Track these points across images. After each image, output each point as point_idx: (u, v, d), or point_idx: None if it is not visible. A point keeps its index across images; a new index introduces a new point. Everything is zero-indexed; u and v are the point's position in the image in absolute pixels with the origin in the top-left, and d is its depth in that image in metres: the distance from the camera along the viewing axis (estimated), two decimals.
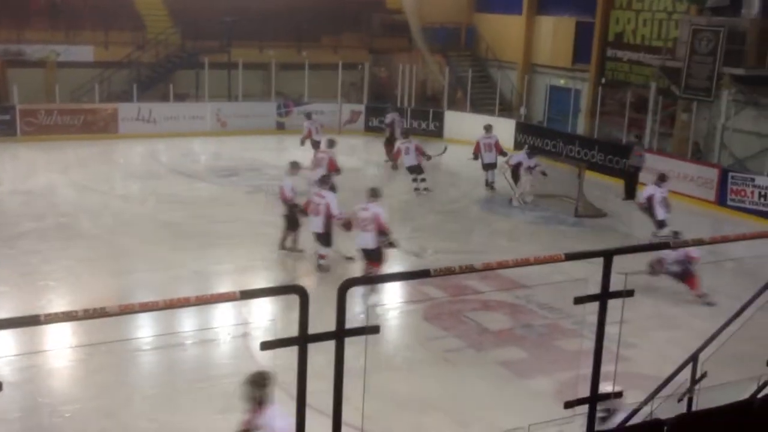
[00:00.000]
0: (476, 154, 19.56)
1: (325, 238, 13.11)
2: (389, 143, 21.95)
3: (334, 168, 16.25)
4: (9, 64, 24.65)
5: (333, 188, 13.68)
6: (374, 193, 12.47)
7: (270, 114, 25.94)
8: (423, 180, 18.92)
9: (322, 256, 13.16)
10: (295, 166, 14.28)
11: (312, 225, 13.10)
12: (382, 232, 12.03)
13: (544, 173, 18.58)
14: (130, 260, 13.41)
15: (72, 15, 24.92)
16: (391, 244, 12.30)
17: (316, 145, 20.03)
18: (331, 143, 17.16)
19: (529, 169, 18.30)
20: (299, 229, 13.66)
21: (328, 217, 12.85)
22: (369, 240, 12.05)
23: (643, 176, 18.62)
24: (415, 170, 18.94)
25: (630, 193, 18.77)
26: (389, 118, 22.88)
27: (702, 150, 20.71)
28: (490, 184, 19.50)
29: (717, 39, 19.50)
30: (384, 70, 30.36)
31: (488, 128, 19.81)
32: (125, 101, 24.45)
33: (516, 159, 18.67)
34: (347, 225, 12.75)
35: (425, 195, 18.74)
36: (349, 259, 13.25)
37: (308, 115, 22.08)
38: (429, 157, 19.10)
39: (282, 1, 28.35)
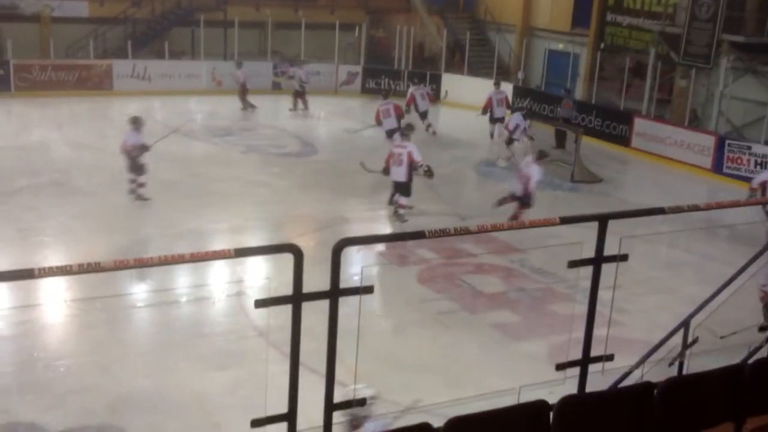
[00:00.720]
0: (486, 110, 20.16)
1: (405, 188, 13.68)
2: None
3: (400, 113, 17.79)
4: (3, 18, 24.34)
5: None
6: (408, 132, 14.12)
7: (266, 74, 25.73)
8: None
9: (401, 206, 13.74)
10: (136, 121, 14.49)
11: (395, 175, 13.63)
12: (413, 166, 13.38)
13: (531, 138, 18.57)
14: (124, 218, 13.40)
15: None
16: (429, 173, 13.63)
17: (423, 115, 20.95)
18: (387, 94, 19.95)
19: (525, 130, 18.39)
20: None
21: (411, 166, 13.49)
22: (402, 173, 13.41)
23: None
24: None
25: (560, 143, 19.74)
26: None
27: (699, 117, 20.66)
28: (494, 137, 20.08)
29: (717, 5, 19.35)
30: (381, 31, 30.09)
31: (498, 84, 21.07)
32: (120, 58, 24.21)
33: (513, 123, 18.61)
34: (429, 172, 13.75)
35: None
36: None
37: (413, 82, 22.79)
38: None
39: None
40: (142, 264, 3.23)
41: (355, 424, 5.18)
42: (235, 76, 22.82)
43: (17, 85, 22.72)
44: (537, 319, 10.33)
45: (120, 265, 3.18)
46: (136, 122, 14.44)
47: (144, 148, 14.20)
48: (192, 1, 25.51)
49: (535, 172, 13.48)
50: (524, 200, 13.54)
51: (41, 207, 13.59)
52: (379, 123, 18.65)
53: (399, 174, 13.62)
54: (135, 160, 14.19)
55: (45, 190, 14.65)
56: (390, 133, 18.14)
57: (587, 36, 24.61)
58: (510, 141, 18.44)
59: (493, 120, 20.26)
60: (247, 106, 22.59)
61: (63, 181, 15.37)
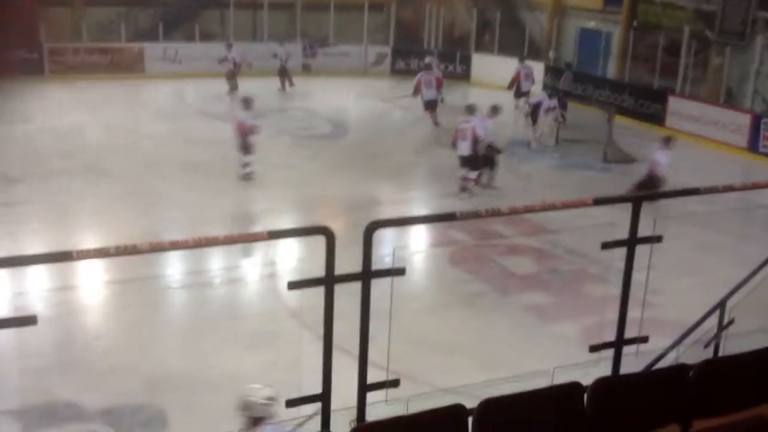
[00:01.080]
0: (514, 83, 21.02)
1: (471, 162, 14.13)
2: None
3: (441, 85, 19.58)
4: (36, 2, 24.56)
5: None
6: (471, 110, 14.46)
7: (295, 55, 25.70)
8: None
9: (467, 179, 14.20)
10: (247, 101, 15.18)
11: (460, 149, 14.12)
12: (477, 141, 13.95)
13: (561, 118, 18.37)
14: (157, 200, 13.53)
15: None
16: (497, 150, 14.45)
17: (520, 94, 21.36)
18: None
19: (549, 110, 18.16)
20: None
21: (475, 141, 14.01)
22: (466, 148, 13.99)
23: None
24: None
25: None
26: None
27: (735, 95, 20.30)
28: (522, 110, 20.34)
29: None
30: (411, 11, 29.88)
31: (523, 59, 21.84)
32: (151, 41, 24.35)
33: (536, 99, 18.56)
34: (493, 149, 14.44)
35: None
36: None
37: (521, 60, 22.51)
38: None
39: None
40: (177, 246, 3.27)
41: (252, 422, 5.08)
42: (227, 57, 22.51)
43: (51, 68, 22.96)
44: (570, 301, 10.28)
45: (156, 248, 3.22)
46: (247, 102, 15.02)
47: (254, 128, 14.65)
48: None
49: (484, 127, 14.21)
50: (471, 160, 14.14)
51: (76, 189, 13.78)
52: (417, 93, 18.83)
53: (464, 148, 14.12)
54: (246, 139, 14.60)
55: (79, 172, 14.84)
56: (429, 105, 18.09)
57: (620, 14, 24.20)
58: (534, 119, 18.31)
59: (519, 94, 20.90)
60: (233, 87, 22.27)
61: (97, 163, 15.54)
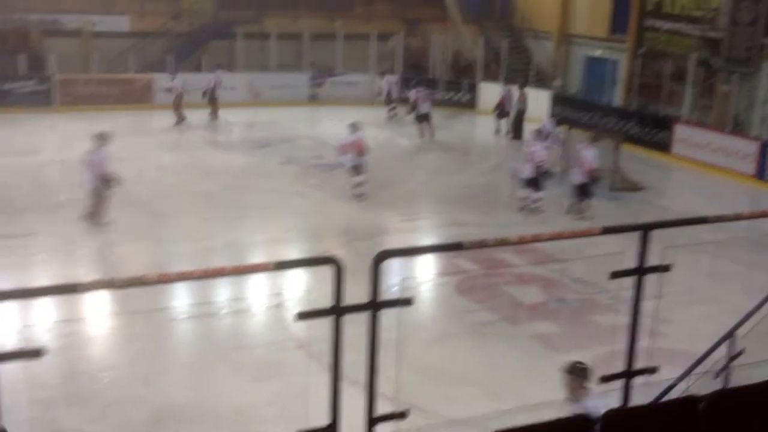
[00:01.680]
0: (500, 107, 22.40)
1: (534, 183, 15.21)
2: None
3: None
4: (46, 33, 24.86)
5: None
6: (539, 134, 16.04)
7: (303, 85, 25.90)
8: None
9: (533, 200, 15.31)
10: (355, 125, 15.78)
11: (523, 172, 15.28)
12: (538, 164, 15.10)
13: (563, 144, 18.37)
14: (164, 230, 13.55)
15: None
16: (547, 173, 15.43)
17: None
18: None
19: (556, 139, 18.22)
20: None
21: (537, 164, 15.18)
22: (529, 170, 15.15)
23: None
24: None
25: (517, 133, 22.01)
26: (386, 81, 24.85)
27: (742, 122, 20.31)
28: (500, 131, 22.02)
29: (758, 9, 19.05)
30: (418, 40, 30.11)
31: (508, 84, 23.16)
32: (160, 71, 24.56)
33: (543, 127, 18.54)
34: (547, 173, 15.51)
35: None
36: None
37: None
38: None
39: None
40: (184, 277, 3.26)
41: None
42: (171, 87, 22.30)
43: (60, 99, 23.15)
44: (578, 330, 10.21)
45: (163, 279, 3.21)
46: (355, 126, 15.68)
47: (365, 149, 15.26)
48: (230, 15, 25.79)
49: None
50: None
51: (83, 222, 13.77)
52: (500, 110, 22.10)
53: (527, 171, 15.25)
54: (360, 158, 15.29)
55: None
56: (423, 117, 19.50)
57: (626, 42, 24.35)
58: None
59: (502, 115, 22.48)
60: (180, 119, 22.10)
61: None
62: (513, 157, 18.58)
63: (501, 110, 22.67)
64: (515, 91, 22.96)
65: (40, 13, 24.12)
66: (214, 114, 22.95)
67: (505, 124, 22.33)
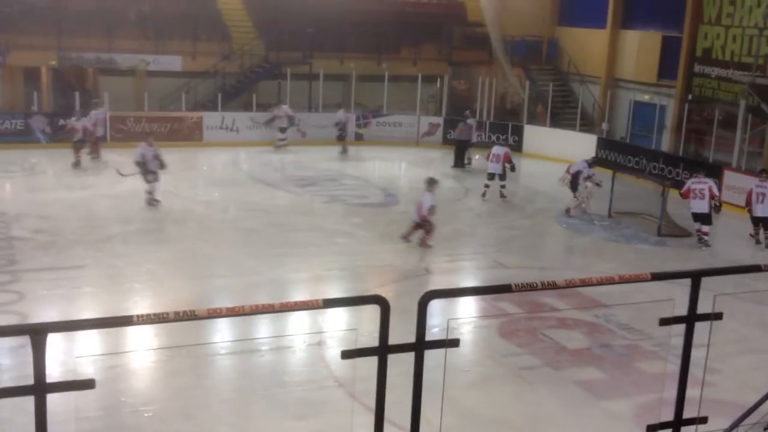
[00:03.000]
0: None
1: (708, 218, 15.94)
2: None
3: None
4: (101, 72, 25.59)
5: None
6: (701, 171, 16.67)
7: (349, 124, 26.16)
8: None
9: (705, 233, 16.01)
10: (432, 182, 15.25)
11: (696, 207, 16.00)
12: (712, 198, 15.93)
13: (598, 184, 18.28)
14: (210, 265, 13.70)
15: (161, 26, 25.73)
16: (717, 208, 16.16)
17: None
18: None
19: (588, 178, 18.22)
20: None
21: (711, 199, 15.92)
22: (705, 206, 15.89)
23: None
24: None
25: (458, 162, 23.28)
26: (339, 116, 24.70)
27: None
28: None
29: None
30: (463, 82, 30.32)
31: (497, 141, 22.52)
32: (210, 110, 25.06)
33: (575, 168, 18.48)
34: (717, 208, 16.29)
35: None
36: None
37: None
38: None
39: (363, 13, 28.66)
40: (234, 313, 3.29)
41: None
42: (76, 126, 21.32)
43: (113, 135, 23.71)
44: (623, 377, 10.02)
45: (213, 314, 3.25)
46: (431, 184, 15.22)
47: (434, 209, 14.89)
48: (279, 56, 26.27)
49: (426, 198, 14.81)
50: (423, 226, 14.88)
51: (131, 254, 14.02)
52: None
53: (701, 206, 15.93)
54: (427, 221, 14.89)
55: (135, 237, 15.14)
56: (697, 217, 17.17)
57: (674, 87, 24.23)
58: (574, 187, 18.30)
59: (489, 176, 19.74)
60: (77, 161, 21.02)
61: (152, 228, 15.87)
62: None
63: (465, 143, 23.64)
64: (472, 123, 23.69)
65: (96, 51, 24.83)
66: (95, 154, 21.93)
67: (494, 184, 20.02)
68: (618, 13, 26.51)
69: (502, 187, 19.40)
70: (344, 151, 24.41)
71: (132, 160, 17.31)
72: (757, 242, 16.55)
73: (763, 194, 16.26)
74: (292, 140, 24.87)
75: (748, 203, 16.44)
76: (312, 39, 26.27)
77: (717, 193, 16.28)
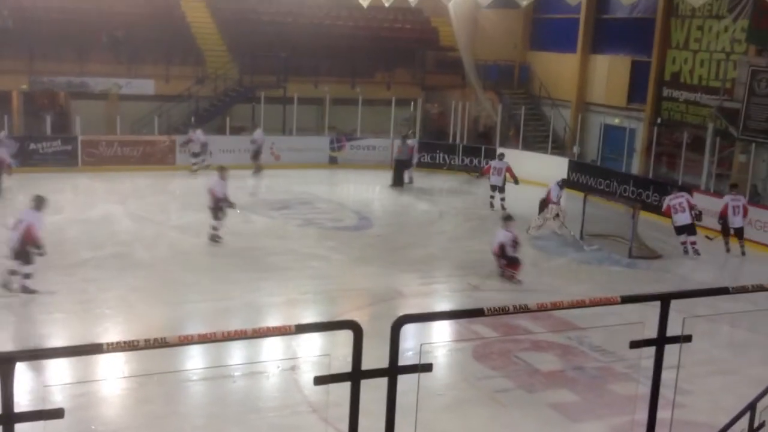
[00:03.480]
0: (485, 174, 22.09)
1: (692, 228, 17.22)
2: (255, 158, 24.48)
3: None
4: (73, 96, 25.44)
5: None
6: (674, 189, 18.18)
7: (323, 148, 26.24)
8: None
9: (693, 243, 17.15)
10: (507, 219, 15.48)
11: (680, 220, 17.19)
12: (692, 209, 17.20)
13: (556, 203, 18.66)
14: (183, 290, 13.60)
15: (134, 49, 25.66)
16: (699, 216, 17.46)
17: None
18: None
19: (558, 199, 18.61)
20: None
21: (691, 210, 17.19)
22: (686, 218, 17.12)
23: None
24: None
25: (397, 181, 23.62)
26: (256, 135, 24.63)
27: (761, 192, 20.29)
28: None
29: None
30: (437, 106, 30.54)
31: (501, 156, 22.02)
32: (183, 134, 24.99)
33: (550, 191, 18.86)
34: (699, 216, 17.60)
35: None
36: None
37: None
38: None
39: (337, 38, 28.86)
40: (206, 340, 3.28)
41: None
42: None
43: (84, 159, 23.56)
44: (596, 399, 10.07)
45: (184, 341, 3.24)
46: (507, 220, 15.45)
47: None
48: (253, 79, 26.31)
49: (498, 235, 15.10)
50: (500, 261, 15.02)
51: (103, 279, 13.89)
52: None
53: (684, 219, 17.09)
54: None
55: (107, 262, 14.99)
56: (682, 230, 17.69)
57: (643, 111, 24.59)
58: (541, 208, 18.81)
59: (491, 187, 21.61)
60: None
61: (125, 253, 15.72)
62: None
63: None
64: (398, 142, 24.23)
65: (67, 75, 24.71)
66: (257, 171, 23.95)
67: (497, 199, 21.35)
68: (588, 38, 26.91)
69: (502, 200, 20.83)
70: (257, 171, 24.33)
71: (207, 189, 17.08)
72: (728, 251, 17.55)
73: (738, 206, 17.41)
74: (266, 163, 24.84)
75: (723, 216, 17.47)
76: (286, 63, 26.35)
77: (694, 203, 17.51)
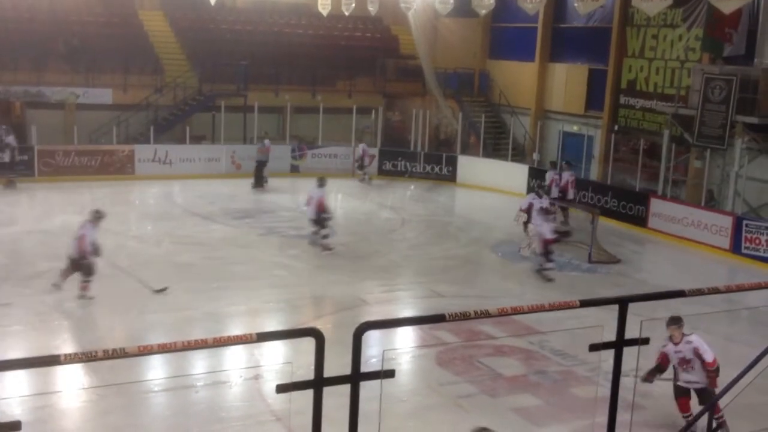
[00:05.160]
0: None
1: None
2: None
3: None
4: (29, 105, 25.02)
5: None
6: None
7: (285, 157, 26.15)
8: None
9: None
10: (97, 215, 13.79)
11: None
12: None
13: (551, 211, 17.41)
14: (143, 301, 13.43)
15: (91, 58, 25.34)
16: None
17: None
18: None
19: (543, 210, 16.69)
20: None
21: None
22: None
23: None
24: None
25: (258, 182, 23.77)
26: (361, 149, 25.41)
27: (716, 198, 20.70)
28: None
29: (729, 87, 19.63)
30: (397, 114, 30.64)
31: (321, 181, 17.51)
32: (142, 143, 24.72)
33: (526, 202, 17.77)
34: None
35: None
36: None
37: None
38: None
39: (297, 46, 28.81)
40: (166, 350, 3.26)
41: None
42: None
43: (41, 170, 23.18)
44: (558, 403, 10.17)
45: (144, 351, 3.21)
46: (321, 182, 17.00)
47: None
48: (213, 88, 26.14)
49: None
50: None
51: (61, 291, 13.65)
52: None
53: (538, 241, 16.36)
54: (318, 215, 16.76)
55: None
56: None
57: (601, 118, 24.94)
58: (526, 225, 17.83)
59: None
60: None
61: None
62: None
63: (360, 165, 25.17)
64: (267, 144, 24.23)
65: (23, 85, 24.32)
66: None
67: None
68: (546, 47, 27.24)
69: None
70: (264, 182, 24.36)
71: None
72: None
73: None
74: (227, 172, 24.68)
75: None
76: (246, 71, 26.23)
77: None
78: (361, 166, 25.76)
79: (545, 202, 17.30)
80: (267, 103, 26.38)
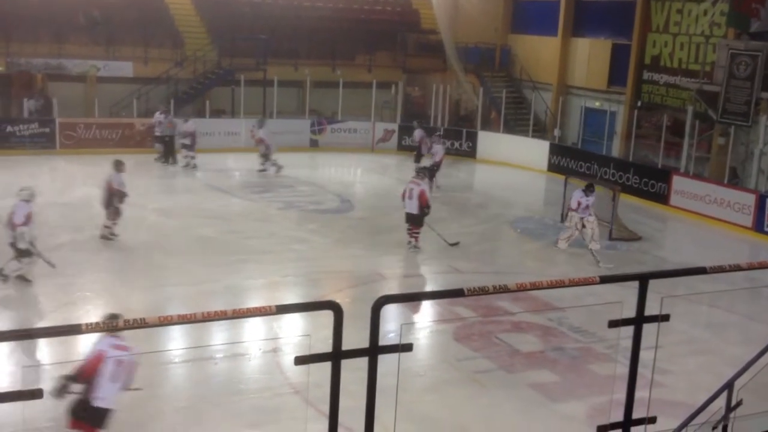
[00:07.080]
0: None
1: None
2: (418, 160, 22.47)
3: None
4: (50, 78, 25.14)
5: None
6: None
7: (304, 131, 26.13)
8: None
9: None
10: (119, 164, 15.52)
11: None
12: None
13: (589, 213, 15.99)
14: (163, 274, 13.54)
15: (113, 31, 25.38)
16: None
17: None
18: None
19: (587, 208, 15.67)
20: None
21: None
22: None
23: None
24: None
25: (167, 157, 22.93)
26: (417, 135, 23.56)
27: (739, 175, 20.47)
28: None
29: (755, 63, 19.34)
30: (417, 89, 30.50)
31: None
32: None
33: (575, 201, 15.96)
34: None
35: None
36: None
37: None
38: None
39: (317, 20, 28.67)
40: (186, 321, 3.27)
41: None
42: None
43: (62, 142, 23.32)
44: (576, 380, 10.16)
45: (164, 321, 3.22)
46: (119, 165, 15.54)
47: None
48: (232, 62, 26.12)
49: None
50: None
51: (82, 262, 13.79)
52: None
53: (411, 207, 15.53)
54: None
55: (86, 245, 14.89)
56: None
57: (624, 94, 24.67)
58: (564, 217, 16.93)
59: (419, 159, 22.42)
60: None
61: None
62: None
63: (417, 154, 23.07)
64: (170, 118, 23.01)
65: (45, 57, 24.41)
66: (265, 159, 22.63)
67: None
68: (569, 21, 26.92)
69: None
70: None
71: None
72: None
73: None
74: (246, 146, 24.72)
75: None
76: (266, 45, 26.17)
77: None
78: (419, 157, 22.74)
79: (592, 200, 15.94)
80: (286, 78, 26.33)
